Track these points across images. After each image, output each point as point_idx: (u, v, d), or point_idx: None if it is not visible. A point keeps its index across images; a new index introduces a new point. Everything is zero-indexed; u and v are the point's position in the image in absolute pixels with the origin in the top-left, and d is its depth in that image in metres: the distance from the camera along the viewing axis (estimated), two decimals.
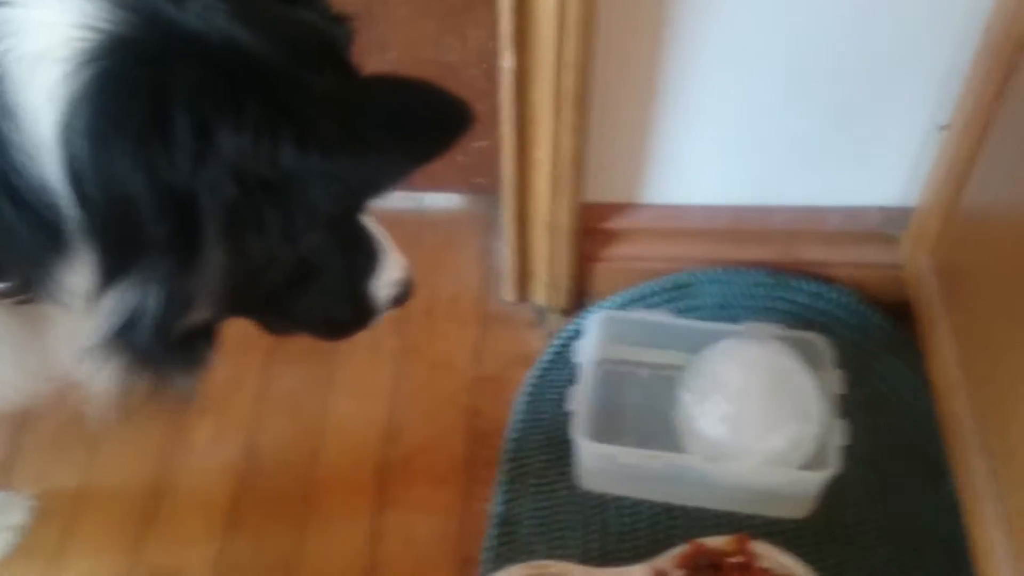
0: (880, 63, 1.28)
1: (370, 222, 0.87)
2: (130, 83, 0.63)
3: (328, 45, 0.74)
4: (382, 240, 0.88)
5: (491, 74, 1.43)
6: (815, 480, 1.21)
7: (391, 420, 1.41)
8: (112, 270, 0.66)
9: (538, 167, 1.34)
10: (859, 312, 1.44)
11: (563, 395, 1.36)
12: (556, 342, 1.46)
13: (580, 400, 1.27)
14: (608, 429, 1.32)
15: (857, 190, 1.43)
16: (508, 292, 1.54)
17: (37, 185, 0.62)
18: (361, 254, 0.87)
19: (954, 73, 1.26)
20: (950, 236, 1.30)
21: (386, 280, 0.89)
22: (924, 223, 1.36)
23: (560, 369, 1.42)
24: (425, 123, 0.72)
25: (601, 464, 1.25)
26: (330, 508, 1.31)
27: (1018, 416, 1.03)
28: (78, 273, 0.67)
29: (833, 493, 1.25)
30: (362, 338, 1.43)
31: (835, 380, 1.28)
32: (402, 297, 0.92)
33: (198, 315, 0.72)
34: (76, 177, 0.62)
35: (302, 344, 1.41)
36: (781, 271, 1.45)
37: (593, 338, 1.35)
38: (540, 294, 1.52)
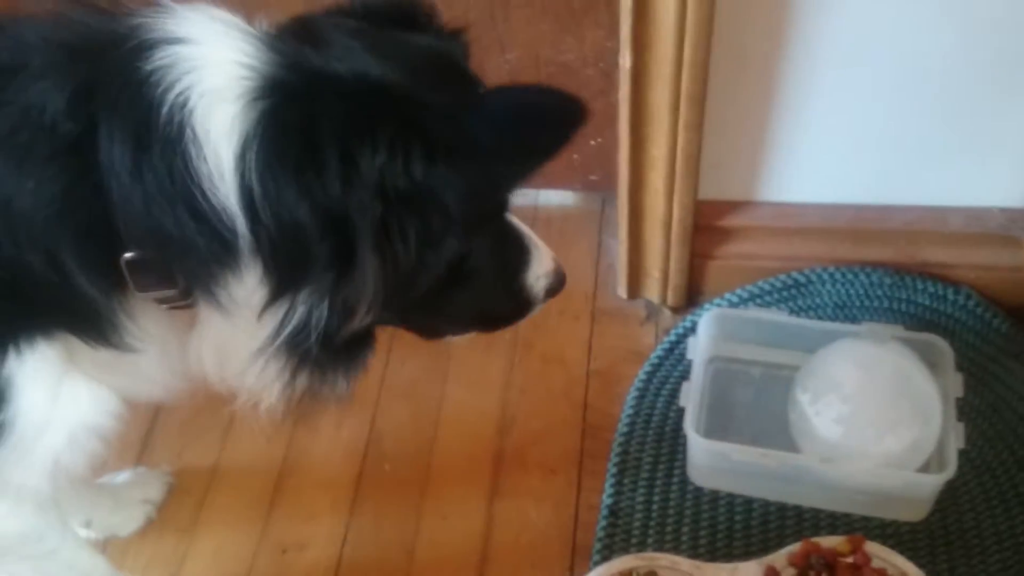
0: (1004, 62, 1.25)
1: (517, 221, 0.92)
2: (286, 122, 0.71)
3: (446, 62, 0.82)
4: (531, 236, 0.93)
5: (608, 73, 1.46)
6: (932, 484, 1.19)
7: (504, 411, 1.45)
8: (283, 284, 0.74)
9: (654, 164, 1.35)
10: (980, 315, 1.41)
11: (674, 391, 1.38)
12: (668, 339, 1.47)
13: (692, 396, 1.28)
14: (719, 426, 1.33)
15: (979, 190, 1.40)
16: (621, 288, 1.56)
17: (217, 207, 0.70)
18: (512, 251, 0.93)
19: None
20: None
21: (539, 272, 0.95)
22: None
23: (672, 365, 1.44)
24: (540, 124, 0.77)
25: (713, 460, 1.26)
26: (446, 493, 1.36)
27: None
28: (243, 285, 0.74)
29: (949, 498, 1.24)
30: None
31: (955, 383, 1.26)
32: (556, 287, 0.98)
33: (358, 322, 0.78)
34: (249, 203, 0.70)
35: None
36: (901, 271, 1.43)
37: (706, 335, 1.36)
38: (653, 291, 1.53)
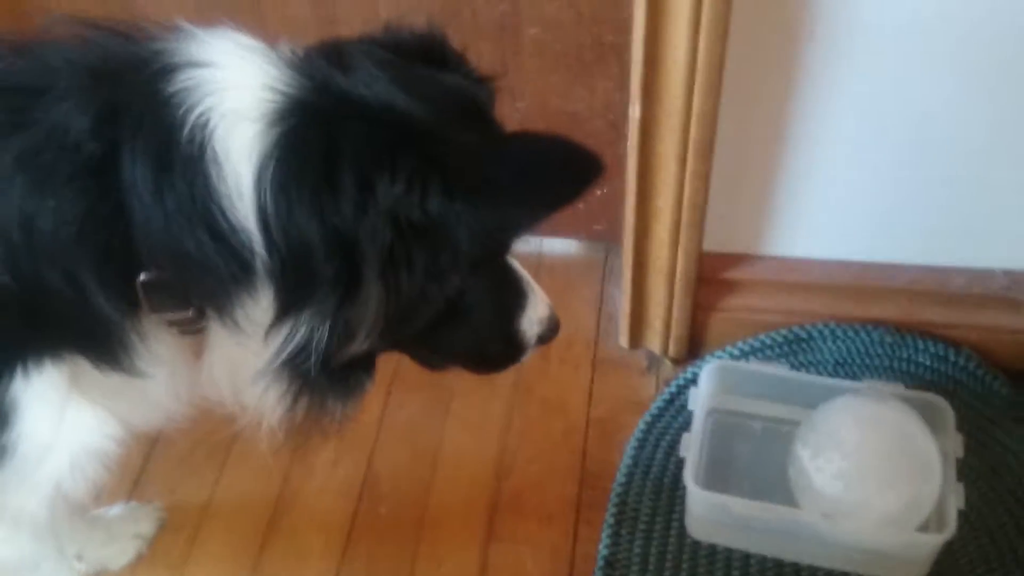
0: (1007, 126, 1.27)
1: (517, 264, 0.92)
2: (306, 143, 0.71)
3: (472, 104, 0.83)
4: (528, 281, 0.94)
5: (615, 124, 1.48)
6: (931, 543, 1.18)
7: (503, 455, 1.44)
8: (288, 303, 0.75)
9: (660, 215, 1.37)
10: (981, 377, 1.41)
11: (674, 443, 1.38)
12: (669, 389, 1.47)
13: (692, 447, 1.28)
14: (718, 479, 1.32)
15: (982, 252, 1.41)
16: (623, 338, 1.56)
17: (236, 226, 0.71)
18: (509, 294, 0.93)
19: None
20: None
21: (534, 318, 0.94)
22: None
23: (672, 417, 1.44)
24: (558, 174, 0.79)
25: (712, 513, 1.25)
26: (442, 538, 1.34)
27: None
28: (258, 305, 0.75)
29: (948, 559, 1.23)
30: (475, 375, 1.49)
31: (955, 443, 1.26)
32: (549, 334, 0.97)
33: (358, 346, 0.79)
34: (266, 223, 0.71)
35: (420, 376, 1.47)
36: (902, 330, 1.44)
37: (707, 387, 1.36)
38: (654, 341, 1.53)
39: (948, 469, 1.23)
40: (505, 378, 1.55)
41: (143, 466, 1.42)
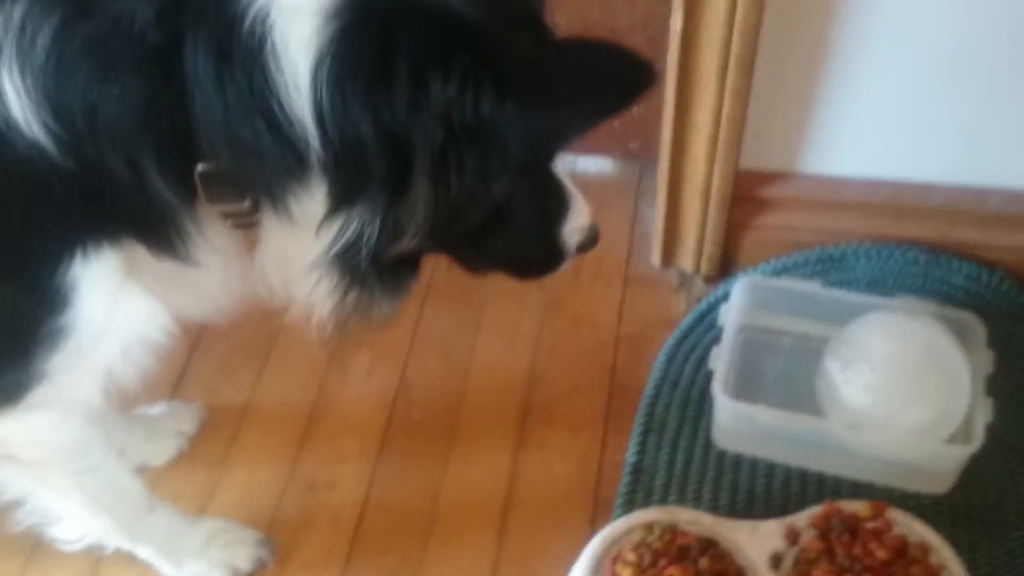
0: None
1: (562, 174, 0.94)
2: (363, 39, 0.73)
3: (525, 8, 0.84)
4: (571, 190, 0.95)
5: (655, 40, 1.47)
6: (957, 455, 1.20)
7: (533, 367, 1.47)
8: (341, 198, 0.77)
9: (697, 131, 1.37)
10: (1011, 296, 1.42)
11: (702, 358, 1.39)
12: (699, 306, 1.49)
13: (721, 359, 1.30)
14: (746, 393, 1.34)
15: (1019, 173, 1.41)
16: (655, 256, 1.57)
17: (292, 119, 0.73)
18: (552, 201, 0.95)
19: None
20: None
21: (575, 226, 0.97)
22: None
23: (702, 333, 1.45)
24: (610, 80, 0.80)
25: (738, 423, 1.28)
26: (473, 443, 1.38)
27: None
28: (312, 197, 0.77)
29: (973, 473, 1.25)
30: (508, 288, 1.51)
31: (986, 360, 1.27)
32: (588, 243, 1.00)
33: (406, 244, 0.81)
34: (321, 116, 0.73)
35: (453, 289, 1.49)
36: (936, 250, 1.44)
37: (738, 303, 1.38)
38: (686, 259, 1.55)
39: (977, 384, 1.25)
40: (536, 293, 1.57)
41: (184, 367, 1.47)
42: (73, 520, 1.13)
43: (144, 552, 1.20)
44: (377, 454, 1.37)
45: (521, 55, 0.77)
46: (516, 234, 0.93)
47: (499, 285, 1.54)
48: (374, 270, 0.82)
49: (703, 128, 1.36)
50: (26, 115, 0.72)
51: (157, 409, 1.38)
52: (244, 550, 1.24)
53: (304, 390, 1.45)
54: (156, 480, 1.34)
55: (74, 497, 1.08)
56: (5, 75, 0.71)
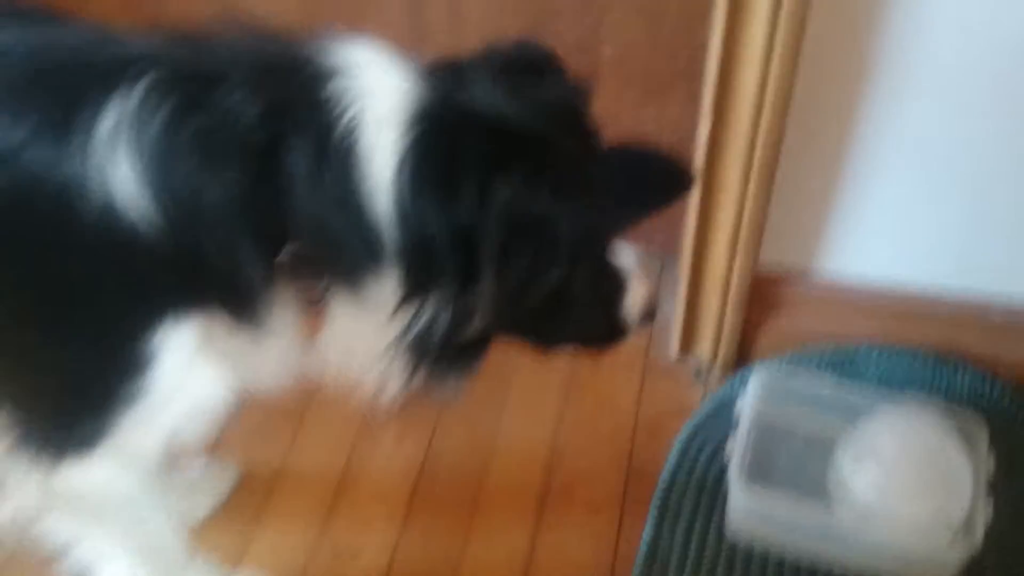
0: None
1: (623, 255, 1.02)
2: (436, 148, 0.82)
3: (572, 113, 0.93)
4: (630, 270, 1.03)
5: (681, 143, 1.56)
6: (956, 554, 1.25)
7: (554, 446, 1.53)
8: (414, 287, 0.85)
9: (719, 229, 1.45)
10: (1013, 406, 1.48)
11: (717, 448, 1.45)
12: (716, 396, 1.55)
13: (737, 448, 1.36)
14: (759, 482, 1.39)
15: (1022, 287, 1.48)
16: (673, 345, 1.65)
17: (375, 215, 0.81)
18: (608, 281, 1.02)
19: None
20: None
21: (633, 301, 1.04)
22: None
23: (717, 422, 1.51)
24: (652, 183, 0.89)
25: (751, 511, 1.33)
26: (493, 518, 1.44)
27: None
28: (384, 286, 0.85)
29: (975, 571, 1.29)
30: (534, 367, 1.59)
31: (987, 463, 1.33)
32: (648, 317, 1.07)
33: (474, 329, 0.89)
34: (399, 215, 0.82)
35: (482, 367, 1.56)
36: (944, 354, 1.51)
37: (754, 394, 1.44)
38: (703, 351, 1.62)
39: (979, 485, 1.30)
40: (559, 376, 1.64)
41: (222, 429, 1.53)
42: (116, 569, 1.18)
43: None
44: (401, 524, 1.42)
45: (572, 157, 0.87)
46: (578, 315, 1.00)
47: (525, 364, 1.63)
48: (444, 353, 0.90)
49: (725, 226, 1.45)
50: (134, 195, 0.80)
51: (195, 469, 1.44)
52: None
53: (335, 456, 1.51)
54: (192, 536, 1.39)
55: (121, 546, 1.14)
56: (119, 157, 0.79)
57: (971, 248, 1.47)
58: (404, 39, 1.58)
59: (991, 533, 1.27)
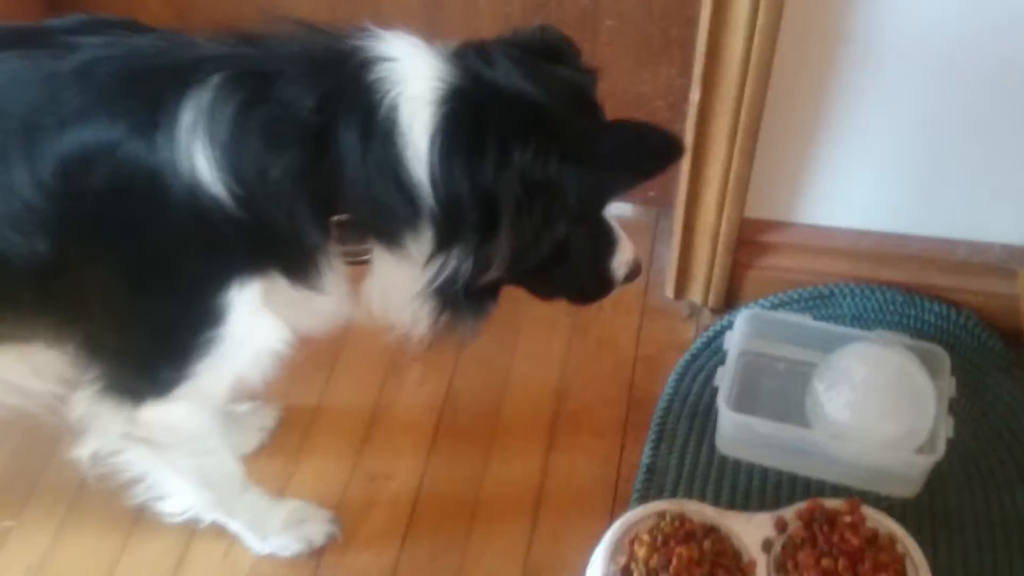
0: (1010, 122, 1.50)
1: (610, 218, 1.17)
2: (464, 121, 0.97)
3: (581, 91, 1.09)
4: (619, 232, 1.18)
5: (674, 106, 1.71)
6: (922, 464, 1.43)
7: (562, 382, 1.70)
8: (444, 240, 1.01)
9: (709, 184, 1.61)
10: (978, 335, 1.65)
11: (709, 377, 1.62)
12: (707, 333, 1.72)
13: (725, 378, 1.53)
14: (745, 407, 1.56)
15: (985, 227, 1.64)
16: (669, 289, 1.81)
17: (414, 182, 0.96)
18: (603, 242, 1.18)
19: None
20: None
21: (621, 261, 1.20)
22: None
23: (708, 356, 1.68)
24: (648, 152, 1.04)
25: (738, 432, 1.51)
26: (510, 444, 1.61)
27: None
28: (421, 240, 1.01)
29: (937, 480, 1.47)
30: (541, 315, 1.75)
31: (949, 385, 1.50)
32: (632, 275, 1.23)
33: (490, 276, 1.05)
34: (434, 179, 0.97)
35: (494, 316, 1.73)
36: (912, 292, 1.68)
37: (740, 331, 1.61)
38: (696, 293, 1.78)
39: (941, 405, 1.47)
40: (565, 320, 1.80)
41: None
42: (182, 496, 1.34)
43: (235, 526, 1.42)
44: (428, 451, 1.60)
45: (579, 130, 1.01)
46: (575, 268, 1.15)
47: (533, 312, 1.80)
48: (465, 297, 1.05)
49: (714, 182, 1.60)
50: (212, 176, 0.95)
51: (244, 407, 1.60)
52: (318, 527, 1.45)
53: (365, 395, 1.68)
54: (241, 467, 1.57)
55: (189, 475, 1.30)
56: (198, 147, 0.94)
57: (935, 195, 1.62)
58: (419, 19, 1.73)
59: (954, 447, 1.44)
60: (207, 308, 1.04)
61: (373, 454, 1.60)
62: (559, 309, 1.80)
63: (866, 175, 1.62)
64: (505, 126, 0.97)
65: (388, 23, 1.04)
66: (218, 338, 1.07)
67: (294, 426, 1.64)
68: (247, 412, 1.61)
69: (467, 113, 0.97)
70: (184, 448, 1.26)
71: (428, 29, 1.05)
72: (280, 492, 1.53)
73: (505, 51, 1.03)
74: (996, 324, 1.65)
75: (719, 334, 1.69)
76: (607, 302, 1.81)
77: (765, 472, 1.52)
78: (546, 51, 1.08)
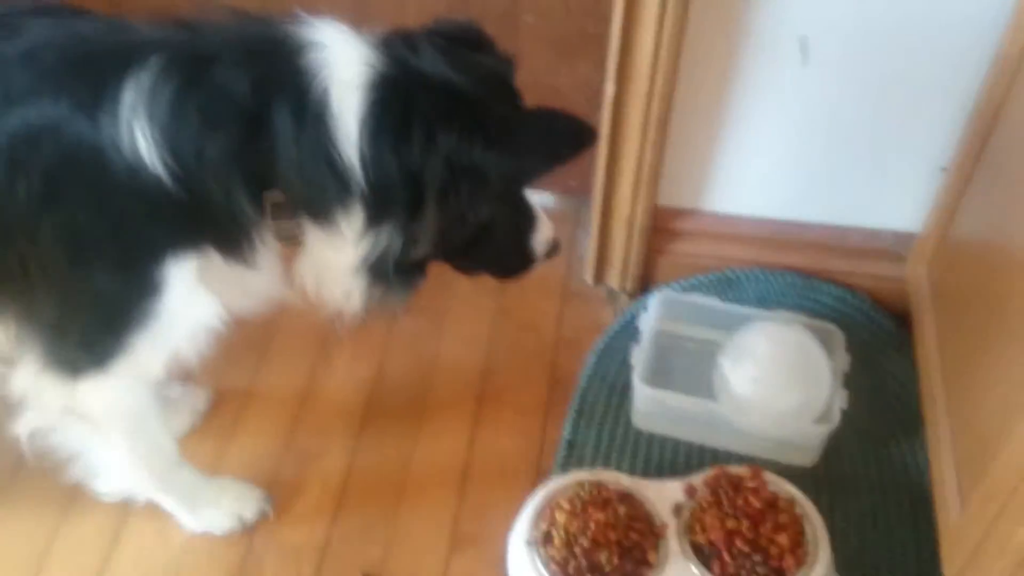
0: (899, 118, 1.63)
1: (531, 199, 1.24)
2: (392, 106, 1.04)
3: (502, 79, 1.17)
4: (539, 211, 1.26)
5: (591, 99, 1.80)
6: (819, 432, 1.54)
7: (487, 364, 1.78)
8: (375, 219, 1.07)
9: (623, 175, 1.70)
10: (871, 315, 1.78)
11: (626, 358, 1.70)
12: (623, 316, 1.82)
13: (639, 357, 1.62)
14: (658, 383, 1.65)
15: (876, 214, 1.78)
16: (588, 275, 1.90)
17: (345, 162, 1.03)
18: (524, 221, 1.26)
19: (954, 129, 1.61)
20: (940, 258, 1.65)
21: (541, 239, 1.28)
22: (923, 246, 1.71)
23: (625, 337, 1.77)
24: (563, 138, 1.12)
25: (652, 407, 1.60)
26: (437, 422, 1.68)
27: (973, 387, 1.37)
28: (352, 218, 1.07)
29: (834, 450, 1.59)
30: (467, 299, 1.82)
31: (843, 360, 1.62)
32: (551, 252, 1.31)
33: (419, 253, 1.12)
34: (364, 161, 1.03)
35: (421, 300, 1.80)
36: (811, 276, 1.80)
37: (653, 312, 1.71)
38: (613, 278, 1.88)
39: (836, 379, 1.59)
40: (489, 303, 1.88)
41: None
42: (117, 474, 1.38)
43: (168, 503, 1.46)
44: (358, 430, 1.66)
45: (501, 117, 1.09)
46: (499, 245, 1.23)
47: (460, 297, 1.88)
48: (396, 273, 1.12)
49: (628, 172, 1.70)
50: (151, 155, 1.00)
51: (176, 390, 1.64)
52: (250, 503, 1.50)
53: (297, 377, 1.73)
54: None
55: (125, 452, 1.34)
56: (138, 126, 1.00)
57: (831, 185, 1.75)
58: (347, 9, 1.78)
59: (849, 419, 1.56)
60: (145, 282, 1.09)
61: (304, 433, 1.65)
62: (484, 294, 1.89)
63: (767, 165, 1.74)
64: (431, 112, 1.04)
65: (317, 13, 1.10)
66: (155, 312, 1.11)
67: (226, 407, 1.68)
68: (180, 395, 1.64)
69: (395, 98, 1.03)
70: (120, 425, 1.30)
71: (356, 22, 1.11)
72: (213, 471, 1.56)
73: (430, 40, 1.10)
74: (887, 305, 1.79)
75: (635, 316, 1.78)
76: (530, 286, 1.92)
77: (677, 444, 1.62)
78: (467, 40, 1.15)
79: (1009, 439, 1.15)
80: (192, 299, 1.14)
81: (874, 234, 1.80)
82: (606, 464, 1.59)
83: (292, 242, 1.12)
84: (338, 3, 1.76)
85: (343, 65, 1.03)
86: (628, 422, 1.65)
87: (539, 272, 1.92)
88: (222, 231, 1.08)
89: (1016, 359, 1.23)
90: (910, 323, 1.70)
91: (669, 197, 1.79)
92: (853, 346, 1.67)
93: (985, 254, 1.46)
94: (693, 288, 1.82)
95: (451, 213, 1.08)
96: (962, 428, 1.40)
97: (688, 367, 1.72)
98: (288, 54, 1.03)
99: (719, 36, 1.57)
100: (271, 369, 1.75)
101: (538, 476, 1.60)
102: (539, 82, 1.86)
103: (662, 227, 1.82)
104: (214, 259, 1.12)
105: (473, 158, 1.05)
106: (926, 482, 1.49)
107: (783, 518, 1.42)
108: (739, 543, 1.37)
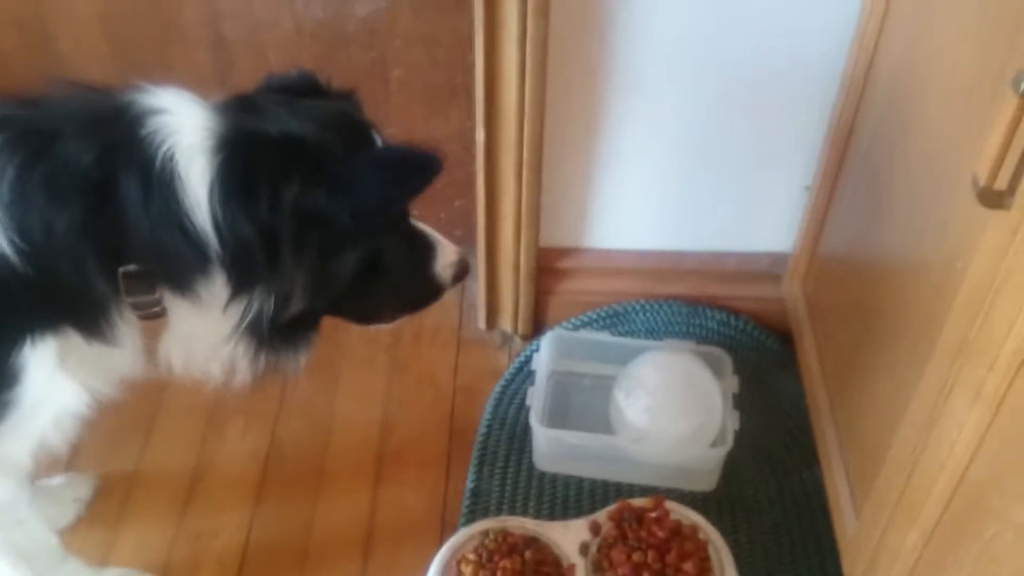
0: (763, 140, 1.69)
1: (422, 225, 1.22)
2: (236, 167, 1.01)
3: (344, 117, 1.14)
4: (435, 236, 1.24)
5: (467, 148, 1.81)
6: (715, 456, 1.56)
7: (385, 420, 1.75)
8: (240, 283, 1.04)
9: (504, 219, 1.72)
10: (754, 335, 1.83)
11: (524, 401, 1.71)
12: (519, 359, 1.82)
13: (536, 397, 1.62)
14: (557, 423, 1.67)
15: (751, 238, 1.83)
16: (481, 321, 1.90)
17: (197, 229, 0.99)
18: (419, 248, 1.23)
19: (814, 147, 1.67)
20: (812, 275, 1.71)
21: (445, 262, 1.26)
22: (797, 265, 1.76)
23: (522, 380, 1.78)
24: (410, 169, 1.10)
25: (552, 447, 1.60)
26: (337, 485, 1.64)
27: (855, 399, 1.41)
28: (214, 285, 1.04)
29: (733, 472, 1.61)
30: (361, 356, 1.80)
31: (732, 383, 1.65)
32: (461, 273, 1.28)
33: (295, 308, 1.08)
34: (216, 224, 1.00)
35: (314, 360, 1.77)
36: (694, 303, 1.84)
37: (546, 352, 1.72)
38: (506, 322, 1.88)
39: (727, 402, 1.62)
40: (384, 359, 1.86)
41: (78, 442, 1.65)
42: None
43: None
44: (254, 503, 1.61)
45: (342, 157, 1.05)
46: (396, 281, 1.19)
47: (353, 354, 1.85)
48: (278, 334, 1.09)
49: (508, 216, 1.71)
50: (0, 234, 0.96)
51: (56, 480, 1.57)
52: None
53: (186, 454, 1.67)
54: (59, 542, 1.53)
55: (1, 549, 1.27)
56: None
57: (705, 213, 1.79)
58: (210, 78, 1.76)
59: (744, 440, 1.59)
60: (1, 370, 1.04)
61: (197, 513, 1.60)
62: (379, 349, 1.87)
63: (642, 197, 1.77)
64: (274, 166, 1.01)
65: (180, 83, 1.08)
66: (14, 401, 1.06)
67: (112, 493, 1.61)
68: (61, 484, 1.57)
69: (238, 160, 1.01)
70: None
71: (220, 87, 1.10)
72: (102, 562, 1.50)
73: (267, 95, 1.09)
74: (770, 325, 1.83)
75: (530, 358, 1.79)
76: (424, 337, 1.92)
77: (581, 482, 1.62)
78: (304, 88, 1.14)
79: (891, 446, 1.19)
80: (54, 384, 1.09)
81: (750, 257, 1.85)
82: (512, 509, 1.58)
83: (153, 316, 1.08)
84: (202, 73, 1.76)
85: (187, 131, 1.01)
86: (531, 465, 1.65)
87: (432, 322, 1.95)
88: (78, 309, 1.04)
89: (891, 367, 1.27)
90: (792, 341, 1.75)
91: (552, 237, 1.81)
92: (741, 368, 1.70)
93: (853, 268, 1.51)
94: (584, 325, 1.84)
95: (310, 263, 1.06)
96: (849, 439, 1.44)
97: (586, 404, 1.73)
98: (132, 122, 1.00)
99: (578, 75, 1.60)
100: (158, 448, 1.69)
101: (444, 529, 1.57)
102: (415, 134, 1.87)
103: (548, 267, 1.83)
104: (74, 339, 1.07)
105: (319, 204, 1.03)
106: (824, 495, 1.52)
107: (688, 545, 1.44)
108: (647, 575, 1.37)
